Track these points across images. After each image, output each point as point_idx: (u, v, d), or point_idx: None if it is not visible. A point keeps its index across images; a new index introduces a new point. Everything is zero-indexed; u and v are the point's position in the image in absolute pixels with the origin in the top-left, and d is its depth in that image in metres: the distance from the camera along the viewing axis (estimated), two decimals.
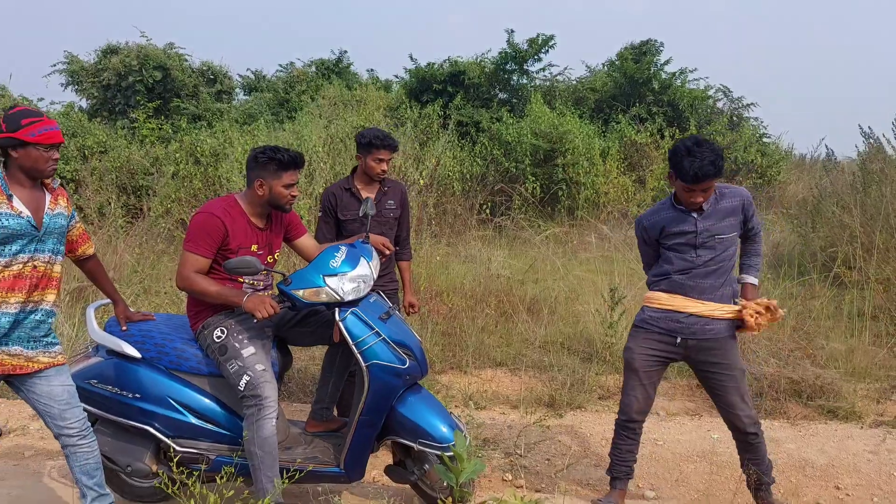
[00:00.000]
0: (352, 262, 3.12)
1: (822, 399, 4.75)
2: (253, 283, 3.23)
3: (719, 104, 14.25)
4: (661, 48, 14.90)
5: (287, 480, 2.91)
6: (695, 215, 3.23)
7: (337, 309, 3.07)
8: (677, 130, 11.93)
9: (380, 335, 3.07)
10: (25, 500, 3.60)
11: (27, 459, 4.17)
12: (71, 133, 10.45)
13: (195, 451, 3.18)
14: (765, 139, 13.58)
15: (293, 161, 3.13)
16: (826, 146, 10.36)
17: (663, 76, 13.47)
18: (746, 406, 3.28)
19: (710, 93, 13.97)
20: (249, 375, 3.04)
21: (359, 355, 3.04)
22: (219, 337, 3.13)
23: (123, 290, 6.36)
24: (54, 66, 13.73)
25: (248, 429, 3.03)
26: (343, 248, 3.21)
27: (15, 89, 11.47)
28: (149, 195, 9.31)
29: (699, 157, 3.08)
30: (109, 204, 8.66)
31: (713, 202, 3.24)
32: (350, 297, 3.06)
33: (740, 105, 14.12)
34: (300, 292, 3.03)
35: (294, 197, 3.21)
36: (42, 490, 3.74)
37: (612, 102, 13.55)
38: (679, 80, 13.56)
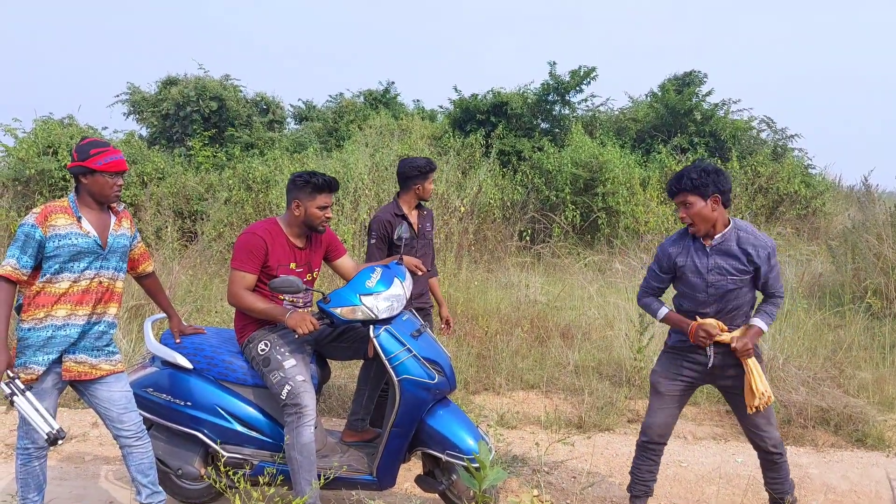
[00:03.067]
0: (386, 282, 3.34)
1: (849, 427, 4.78)
2: (293, 301, 3.45)
3: (763, 135, 14.24)
4: (705, 79, 15.05)
5: (323, 482, 3.13)
6: (707, 249, 3.24)
7: (371, 326, 3.27)
8: (719, 161, 11.97)
9: (411, 351, 3.25)
10: (86, 499, 3.91)
11: (87, 463, 4.49)
12: (131, 160, 11.05)
13: (240, 456, 3.42)
14: (810, 170, 13.49)
15: (327, 184, 3.38)
16: (864, 177, 10.18)
17: (706, 107, 13.56)
18: (772, 427, 3.34)
19: (754, 124, 13.99)
20: (291, 385, 3.25)
21: (391, 370, 3.23)
22: (262, 350, 3.36)
23: (178, 308, 6.71)
24: (117, 96, 14.58)
25: (289, 434, 3.24)
26: (378, 269, 3.43)
27: (82, 118, 12.22)
28: (202, 219, 9.78)
29: (674, 175, 3.26)
30: (165, 227, 9.14)
31: (728, 238, 3.23)
32: (384, 315, 3.25)
33: (784, 136, 14.08)
34: (338, 310, 3.24)
35: (328, 219, 3.44)
36: (100, 490, 4.04)
37: (653, 133, 13.67)
38: (722, 111, 13.63)
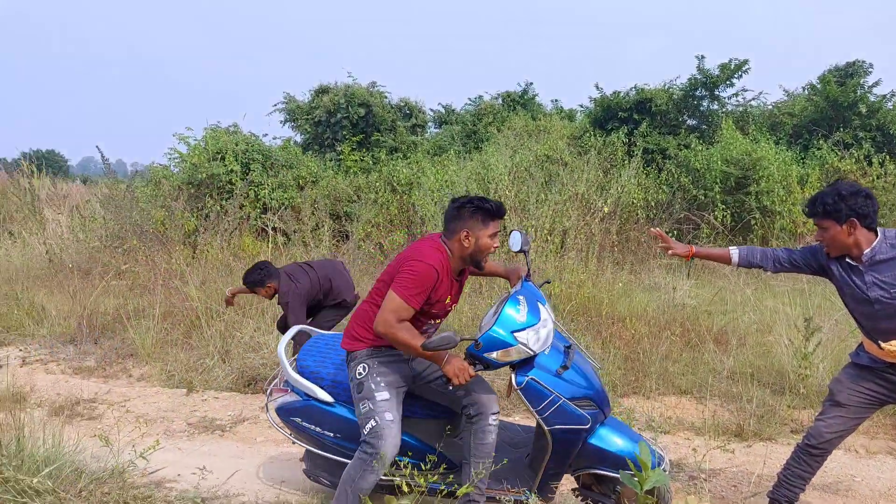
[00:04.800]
0: (534, 311, 3.08)
1: None
2: (426, 330, 3.25)
3: None
4: (870, 69, 13.90)
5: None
6: (861, 268, 3.07)
7: (513, 375, 3.07)
8: (887, 156, 10.99)
9: (560, 398, 3.03)
10: (259, 475, 4.24)
11: (258, 444, 4.87)
12: (288, 165, 11.81)
13: (398, 476, 3.25)
14: None
15: (499, 209, 3.09)
16: None
17: (872, 99, 12.48)
18: None
19: None
20: (376, 422, 3.05)
21: (541, 421, 3.05)
22: (359, 373, 3.16)
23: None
24: (275, 105, 15.56)
25: (352, 470, 3.09)
26: (521, 298, 3.12)
27: (245, 126, 13.18)
28: (352, 221, 10.27)
29: (810, 197, 3.12)
30: (319, 227, 9.69)
31: (879, 251, 3.04)
32: (539, 349, 3.05)
33: None
34: (493, 355, 2.99)
35: (496, 247, 3.16)
36: (272, 469, 4.37)
37: (812, 128, 12.77)
38: (890, 104, 12.49)
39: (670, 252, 3.59)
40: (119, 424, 4.81)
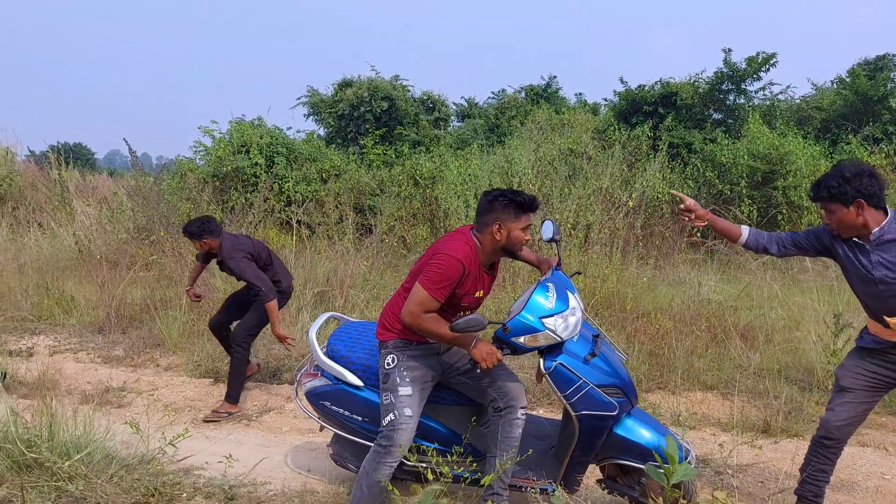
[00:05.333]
0: (563, 298, 3.09)
1: None
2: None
3: None
4: None
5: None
6: (868, 246, 3.04)
7: (542, 360, 3.08)
8: None
9: (587, 384, 3.05)
10: (285, 463, 4.29)
11: (284, 434, 4.92)
12: (312, 158, 11.87)
13: (423, 465, 3.27)
14: None
15: (532, 203, 3.08)
16: None
17: None
18: None
19: None
20: (395, 416, 3.08)
21: (568, 406, 3.06)
22: (388, 364, 3.18)
23: (357, 295, 7.18)
24: (299, 99, 15.63)
25: (368, 463, 3.13)
26: (550, 284, 3.14)
27: (269, 120, 13.28)
28: (375, 214, 10.30)
29: (815, 181, 3.08)
30: (342, 221, 9.73)
31: (887, 231, 3.01)
32: (567, 336, 3.06)
33: None
34: (521, 339, 3.01)
35: (528, 240, 3.16)
36: (298, 456, 4.41)
37: (841, 122, 12.56)
38: None
39: (683, 206, 3.49)
40: (148, 412, 4.88)
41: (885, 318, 3.06)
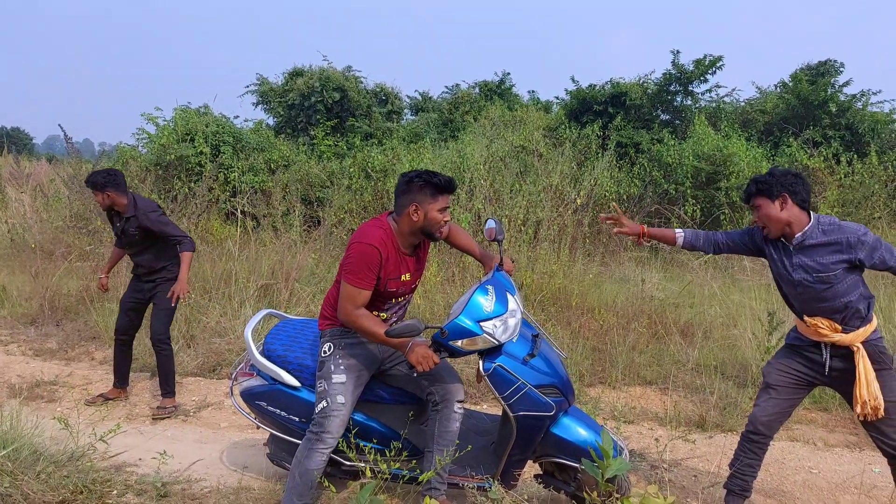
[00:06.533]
0: (502, 301, 3.08)
1: None
2: (387, 318, 3.23)
3: None
4: (841, 69, 14.11)
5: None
6: (791, 248, 3.16)
7: (481, 362, 3.07)
8: (855, 156, 11.18)
9: (526, 385, 3.05)
10: (222, 460, 4.20)
11: (222, 430, 4.82)
12: (260, 148, 11.66)
13: (362, 463, 3.28)
14: None
15: (449, 184, 3.07)
16: None
17: (842, 98, 12.67)
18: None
19: None
20: (327, 402, 3.08)
21: (506, 407, 3.07)
22: (324, 352, 3.19)
23: (303, 289, 7.08)
24: (248, 87, 15.33)
25: (301, 451, 3.12)
26: (489, 287, 3.12)
27: (216, 108, 12.99)
28: (324, 206, 10.17)
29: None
30: (290, 213, 9.58)
31: (810, 235, 3.11)
32: (505, 339, 3.05)
33: None
34: (458, 343, 3.00)
35: (447, 222, 3.13)
36: (236, 453, 4.32)
37: (783, 125, 12.94)
38: (860, 103, 12.68)
39: (616, 231, 3.65)
40: (79, 407, 4.72)
41: (805, 317, 3.19)
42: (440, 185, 3.04)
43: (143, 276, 5.10)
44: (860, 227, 3.08)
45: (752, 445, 3.38)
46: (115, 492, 3.59)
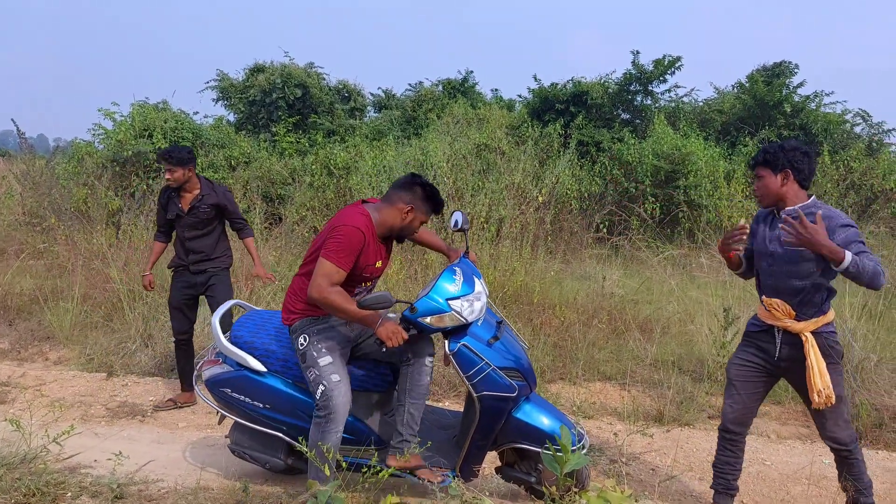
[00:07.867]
0: (469, 283, 3.22)
1: None
2: (357, 293, 3.30)
3: (857, 129, 13.55)
4: (796, 70, 14.45)
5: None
6: (778, 220, 3.18)
7: (447, 342, 3.16)
8: None
9: (489, 366, 3.14)
10: (182, 462, 4.14)
11: (181, 430, 4.75)
12: (220, 144, 11.50)
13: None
14: None
15: (441, 207, 3.31)
16: None
17: (796, 99, 13.02)
18: (839, 428, 3.19)
19: (848, 117, 13.34)
20: (324, 385, 3.16)
21: (470, 387, 3.14)
22: (301, 344, 3.26)
23: (263, 287, 7.01)
24: (207, 83, 15.09)
25: (313, 436, 3.17)
26: (457, 269, 3.28)
27: (175, 104, 12.72)
28: (286, 203, 10.08)
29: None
30: (251, 210, 9.48)
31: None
32: (472, 318, 3.16)
33: (881, 131, 13.35)
34: (427, 319, 3.11)
35: (417, 233, 3.45)
36: (194, 455, 4.27)
37: (739, 125, 13.23)
38: (813, 104, 13.05)
39: (732, 253, 3.42)
40: (32, 408, 4.61)
41: (764, 297, 3.25)
42: (436, 206, 3.29)
43: (193, 266, 4.92)
44: (849, 218, 3.11)
45: (727, 443, 3.43)
46: (69, 494, 3.51)
